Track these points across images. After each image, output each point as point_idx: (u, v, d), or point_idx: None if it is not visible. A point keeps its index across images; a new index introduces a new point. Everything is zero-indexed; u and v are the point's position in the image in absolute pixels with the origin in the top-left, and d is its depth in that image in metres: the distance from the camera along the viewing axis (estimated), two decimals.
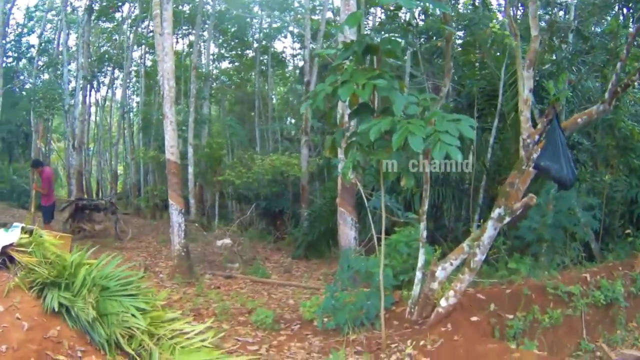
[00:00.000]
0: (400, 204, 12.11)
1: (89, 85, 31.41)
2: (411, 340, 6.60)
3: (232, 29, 34.16)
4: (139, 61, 36.40)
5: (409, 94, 6.36)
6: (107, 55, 36.78)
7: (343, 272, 8.31)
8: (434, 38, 17.60)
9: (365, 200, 8.84)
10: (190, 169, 23.91)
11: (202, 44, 33.14)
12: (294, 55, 37.88)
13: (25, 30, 29.56)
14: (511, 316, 7.18)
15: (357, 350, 6.83)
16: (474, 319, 6.88)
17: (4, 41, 23.25)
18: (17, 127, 29.88)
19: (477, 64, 17.55)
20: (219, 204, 27.09)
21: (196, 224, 20.77)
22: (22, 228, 6.65)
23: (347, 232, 11.85)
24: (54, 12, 31.04)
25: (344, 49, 6.35)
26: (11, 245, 6.33)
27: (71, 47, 32.17)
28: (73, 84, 28.15)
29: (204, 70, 30.90)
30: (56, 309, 5.52)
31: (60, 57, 26.73)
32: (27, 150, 29.77)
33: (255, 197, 23.10)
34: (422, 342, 6.45)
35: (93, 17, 29.17)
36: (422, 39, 17.94)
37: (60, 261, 6.15)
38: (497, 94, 14.00)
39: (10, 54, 24.62)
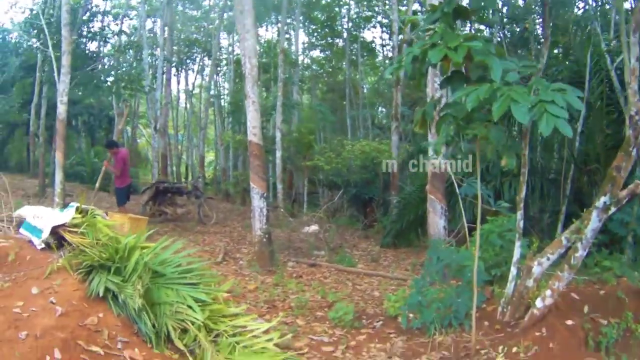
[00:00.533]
0: (490, 191, 11.33)
1: (173, 69, 31.43)
2: (503, 346, 5.80)
3: (322, 17, 34.23)
4: (228, 49, 37.17)
5: (507, 60, 5.52)
6: (196, 43, 37.77)
7: (432, 264, 7.54)
8: (517, 29, 17.21)
9: (457, 187, 8.10)
10: (278, 154, 23.57)
11: (292, 32, 33.44)
12: (383, 45, 37.92)
13: (110, 17, 29.74)
14: (605, 322, 6.22)
15: (443, 355, 6.09)
16: (569, 322, 5.97)
17: (84, 27, 23.24)
18: (100, 111, 30.22)
19: (561, 51, 16.96)
20: (309, 191, 26.81)
21: (282, 210, 20.34)
22: (77, 208, 6.28)
23: (437, 221, 11.23)
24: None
25: (431, 11, 5.58)
26: (63, 225, 6.07)
27: (156, 33, 32.71)
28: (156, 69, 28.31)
29: (293, 57, 30.77)
30: (101, 294, 5.08)
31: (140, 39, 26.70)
32: (110, 134, 29.97)
33: (345, 184, 22.55)
34: (514, 349, 5.66)
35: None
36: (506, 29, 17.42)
37: (112, 243, 5.70)
38: (584, 81, 12.99)
39: (88, 35, 24.59)
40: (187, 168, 44.01)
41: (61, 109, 12.89)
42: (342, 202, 21.21)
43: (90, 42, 25.43)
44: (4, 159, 31.36)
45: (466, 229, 7.17)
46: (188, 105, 43.45)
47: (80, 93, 23.20)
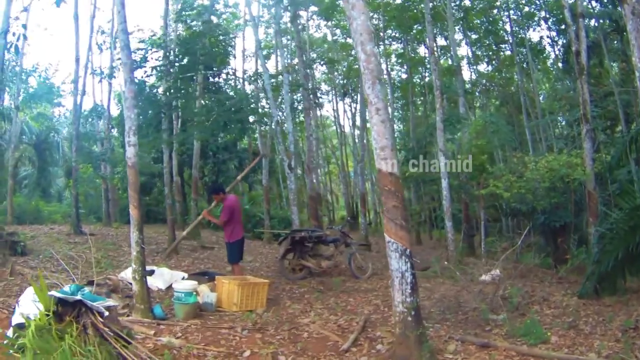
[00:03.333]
0: None
1: (311, 96, 29.28)
2: None
3: (480, 23, 32.72)
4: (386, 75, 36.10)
5: None
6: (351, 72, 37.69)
7: None
8: None
9: None
10: (444, 182, 19.33)
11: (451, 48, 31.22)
12: (552, 45, 33.54)
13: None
14: None
15: None
16: None
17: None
18: (254, 154, 29.39)
19: None
20: (491, 217, 24.32)
21: (446, 262, 15.91)
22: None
23: None
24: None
25: None
26: None
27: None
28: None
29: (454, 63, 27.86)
30: None
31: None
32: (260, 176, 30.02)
33: (531, 211, 19.07)
34: None
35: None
36: None
37: None
38: None
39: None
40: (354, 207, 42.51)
41: (129, 152, 9.96)
42: (530, 238, 17.56)
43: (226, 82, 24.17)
44: (159, 210, 30.38)
45: None
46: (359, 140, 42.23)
47: (227, 136, 21.67)
